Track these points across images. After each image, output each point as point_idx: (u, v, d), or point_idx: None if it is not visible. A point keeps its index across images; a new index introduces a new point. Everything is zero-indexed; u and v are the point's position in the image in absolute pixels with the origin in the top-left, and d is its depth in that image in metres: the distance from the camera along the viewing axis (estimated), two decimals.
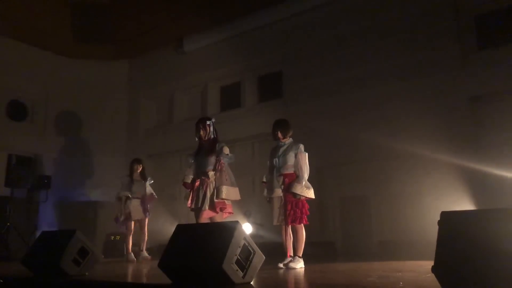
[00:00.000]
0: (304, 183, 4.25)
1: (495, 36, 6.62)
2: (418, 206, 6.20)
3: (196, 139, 4.76)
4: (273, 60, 8.71)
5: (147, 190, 6.41)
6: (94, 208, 9.10)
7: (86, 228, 7.96)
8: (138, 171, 6.51)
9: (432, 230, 2.75)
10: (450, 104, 6.48)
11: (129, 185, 6.35)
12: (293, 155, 4.36)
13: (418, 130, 6.41)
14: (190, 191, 4.63)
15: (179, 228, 3.30)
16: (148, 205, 6.37)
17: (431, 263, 2.14)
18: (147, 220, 6.40)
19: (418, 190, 6.34)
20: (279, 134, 4.49)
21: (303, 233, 4.29)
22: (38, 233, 6.56)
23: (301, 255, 4.26)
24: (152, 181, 6.52)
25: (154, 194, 6.49)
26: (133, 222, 6.31)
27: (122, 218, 6.26)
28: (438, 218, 2.23)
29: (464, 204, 5.65)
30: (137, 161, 6.62)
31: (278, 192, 4.35)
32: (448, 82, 6.55)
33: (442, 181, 6.03)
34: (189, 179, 4.66)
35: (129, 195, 6.26)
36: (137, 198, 6.32)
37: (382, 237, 6.76)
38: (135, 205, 6.27)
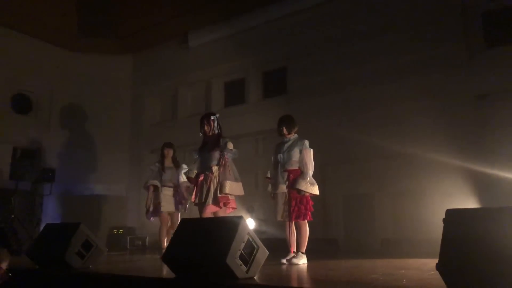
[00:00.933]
0: (308, 179, 4.25)
1: (502, 34, 6.57)
2: (422, 204, 6.19)
3: (201, 135, 4.78)
4: (278, 56, 8.68)
5: (180, 180, 5.67)
6: (97, 202, 9.15)
7: (90, 221, 7.95)
8: (170, 156, 5.83)
9: (435, 228, 2.74)
10: (455, 102, 6.43)
11: (159, 173, 5.70)
12: (298, 151, 4.36)
13: (423, 128, 6.38)
14: (194, 186, 4.66)
15: (183, 222, 3.32)
16: (184, 197, 5.65)
17: (435, 261, 2.13)
18: (179, 214, 5.66)
19: (422, 188, 6.32)
20: (284, 130, 4.49)
21: (306, 229, 4.30)
22: (42, 226, 6.58)
23: (304, 251, 4.27)
24: (187, 169, 5.60)
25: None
26: (166, 213, 5.61)
27: (151, 209, 5.62)
28: (441, 217, 2.22)
29: (469, 203, 5.62)
30: (168, 145, 5.93)
31: (283, 188, 4.35)
32: (454, 81, 6.51)
33: (447, 180, 6.01)
34: (193, 174, 4.68)
35: (158, 184, 5.62)
36: (169, 187, 5.67)
37: (385, 234, 6.74)
38: (167, 196, 5.61)
